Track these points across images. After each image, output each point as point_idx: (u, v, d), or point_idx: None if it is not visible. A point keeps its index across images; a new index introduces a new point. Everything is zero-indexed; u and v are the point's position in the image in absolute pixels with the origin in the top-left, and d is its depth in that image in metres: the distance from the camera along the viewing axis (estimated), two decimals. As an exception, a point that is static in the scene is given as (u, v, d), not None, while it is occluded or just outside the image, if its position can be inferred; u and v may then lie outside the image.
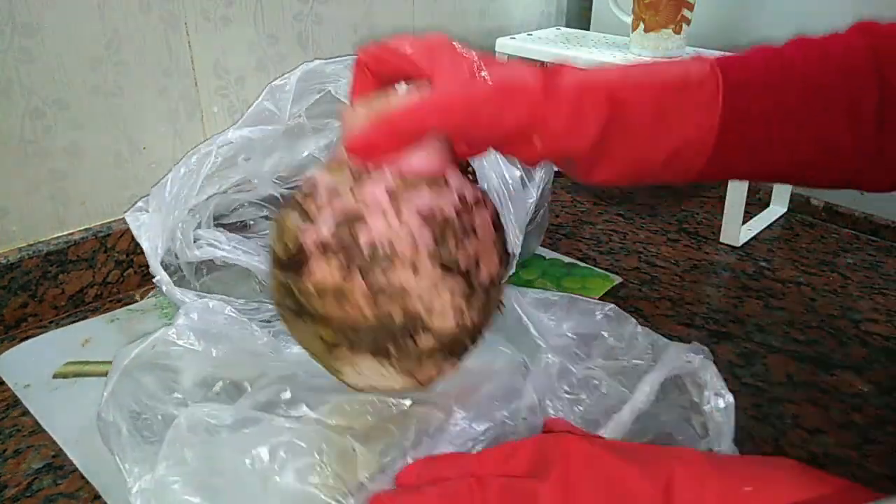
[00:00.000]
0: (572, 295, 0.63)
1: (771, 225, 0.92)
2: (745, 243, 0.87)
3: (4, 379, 0.61)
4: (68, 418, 0.56)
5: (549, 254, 0.81)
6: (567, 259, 0.80)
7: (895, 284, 0.78)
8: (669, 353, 0.50)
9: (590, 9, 1.12)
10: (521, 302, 0.62)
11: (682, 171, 0.42)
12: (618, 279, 0.76)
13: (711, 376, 0.50)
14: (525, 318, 0.61)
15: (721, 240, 0.87)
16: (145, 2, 0.70)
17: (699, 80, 0.41)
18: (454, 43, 0.41)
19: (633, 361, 0.57)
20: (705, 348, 0.51)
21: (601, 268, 0.79)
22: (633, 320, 0.61)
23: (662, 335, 0.58)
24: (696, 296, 0.75)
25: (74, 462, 0.52)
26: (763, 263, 0.82)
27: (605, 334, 0.60)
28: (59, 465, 0.52)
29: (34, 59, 0.65)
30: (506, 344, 0.59)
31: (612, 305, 0.61)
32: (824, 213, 0.93)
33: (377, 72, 0.43)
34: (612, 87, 0.40)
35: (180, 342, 0.53)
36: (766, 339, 0.68)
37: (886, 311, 0.73)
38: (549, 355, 0.57)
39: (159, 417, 0.50)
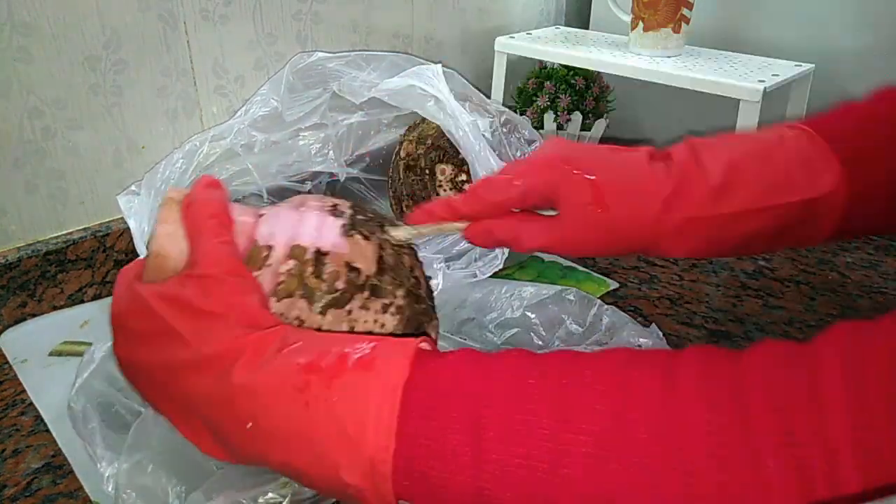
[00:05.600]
0: (530, 282, 0.62)
1: (770, 224, 0.92)
2: (745, 242, 0.87)
3: (5, 354, 0.65)
4: (56, 393, 0.59)
5: (548, 256, 0.81)
6: (566, 262, 0.80)
7: (894, 283, 0.78)
8: (622, 335, 0.50)
9: (589, 8, 1.12)
10: (480, 293, 0.62)
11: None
12: (614, 284, 0.76)
13: None
14: (486, 310, 0.61)
15: (720, 239, 0.87)
16: (144, 1, 0.70)
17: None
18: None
19: (594, 347, 0.57)
20: (661, 334, 0.50)
21: (600, 266, 0.79)
22: (598, 301, 0.61)
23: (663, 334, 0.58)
24: (695, 295, 0.75)
25: (53, 434, 0.55)
26: (762, 262, 0.82)
27: (565, 318, 0.60)
28: (58, 464, 0.52)
29: (33, 58, 0.64)
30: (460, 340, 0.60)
31: (575, 289, 0.61)
32: (823, 213, 0.93)
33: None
34: None
35: None
36: (765, 338, 0.68)
37: (886, 310, 0.72)
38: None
39: (133, 408, 0.52)
